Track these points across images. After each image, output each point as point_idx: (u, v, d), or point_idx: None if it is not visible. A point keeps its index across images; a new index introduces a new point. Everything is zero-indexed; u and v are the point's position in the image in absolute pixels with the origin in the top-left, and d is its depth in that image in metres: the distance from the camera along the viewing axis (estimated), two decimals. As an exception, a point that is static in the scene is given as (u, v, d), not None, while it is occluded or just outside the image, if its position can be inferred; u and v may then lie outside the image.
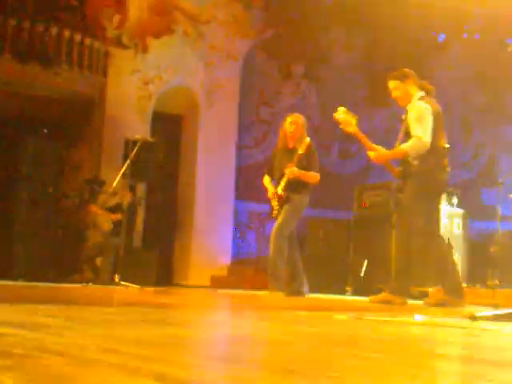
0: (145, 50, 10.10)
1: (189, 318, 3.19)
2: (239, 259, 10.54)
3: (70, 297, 4.69)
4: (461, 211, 8.23)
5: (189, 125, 10.88)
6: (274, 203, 5.96)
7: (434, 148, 4.72)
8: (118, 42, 9.95)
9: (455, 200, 8.18)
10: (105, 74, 9.81)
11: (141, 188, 9.75)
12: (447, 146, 4.85)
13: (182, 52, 10.44)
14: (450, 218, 7.99)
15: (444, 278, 4.81)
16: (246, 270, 9.45)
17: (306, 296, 5.98)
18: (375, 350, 1.92)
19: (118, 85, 9.91)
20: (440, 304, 4.76)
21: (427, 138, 4.67)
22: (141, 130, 8.82)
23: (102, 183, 8.30)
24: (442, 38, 11.56)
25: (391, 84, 4.96)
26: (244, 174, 10.56)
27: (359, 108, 11.50)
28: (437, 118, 4.77)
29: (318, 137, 10.90)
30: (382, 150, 4.88)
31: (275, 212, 5.95)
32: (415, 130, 4.70)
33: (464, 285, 5.63)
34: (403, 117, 4.92)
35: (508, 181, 7.98)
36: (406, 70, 4.98)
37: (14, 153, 9.10)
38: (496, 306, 4.29)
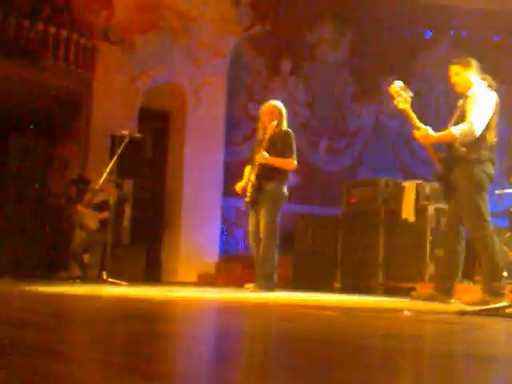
0: (132, 46, 10.05)
1: (177, 315, 3.18)
2: (227, 256, 10.52)
3: (58, 294, 4.66)
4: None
5: (176, 121, 10.84)
6: (248, 189, 5.83)
7: (487, 141, 4.63)
8: (105, 38, 9.89)
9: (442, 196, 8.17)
10: (92, 70, 9.74)
11: (128, 184, 9.70)
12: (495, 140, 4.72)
13: (169, 48, 10.39)
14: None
15: (491, 274, 4.55)
16: (234, 267, 9.42)
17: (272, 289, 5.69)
18: (363, 345, 1.92)
19: (105, 81, 9.84)
20: (428, 299, 4.77)
21: (479, 126, 4.54)
22: (128, 126, 8.75)
23: (87, 182, 8.23)
24: (429, 34, 11.60)
25: (453, 69, 4.86)
26: (232, 171, 10.52)
27: (346, 105, 11.55)
28: (496, 113, 4.69)
29: (305, 133, 10.90)
30: (428, 130, 4.63)
31: (247, 199, 5.87)
32: (471, 115, 4.57)
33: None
34: (460, 102, 4.81)
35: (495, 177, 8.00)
36: (472, 59, 4.87)
37: (0, 149, 9.03)
38: (484, 302, 4.30)
